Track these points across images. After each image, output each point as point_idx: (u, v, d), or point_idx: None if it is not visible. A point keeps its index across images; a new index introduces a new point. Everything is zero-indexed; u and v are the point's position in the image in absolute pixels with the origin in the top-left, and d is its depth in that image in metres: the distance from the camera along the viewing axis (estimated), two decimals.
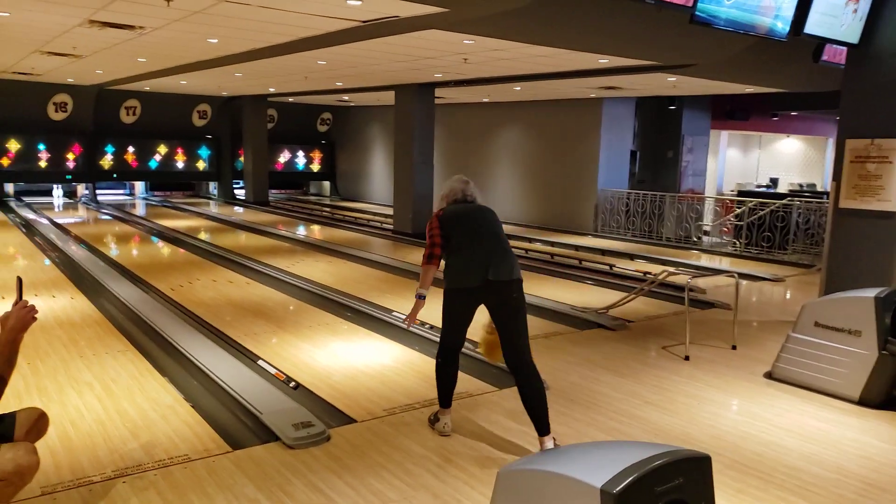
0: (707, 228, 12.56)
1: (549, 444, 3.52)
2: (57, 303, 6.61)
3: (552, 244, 11.87)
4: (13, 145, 15.60)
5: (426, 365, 5.07)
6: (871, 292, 4.45)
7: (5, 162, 15.53)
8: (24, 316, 2.66)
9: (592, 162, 13.45)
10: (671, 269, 6.78)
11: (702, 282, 7.95)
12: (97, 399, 4.19)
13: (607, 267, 9.47)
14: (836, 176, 6.04)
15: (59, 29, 7.46)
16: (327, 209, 17.61)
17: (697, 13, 4.78)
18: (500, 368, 4.91)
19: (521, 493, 2.03)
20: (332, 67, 10.18)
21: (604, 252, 11.10)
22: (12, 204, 15.48)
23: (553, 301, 7.17)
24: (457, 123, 16.39)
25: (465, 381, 4.70)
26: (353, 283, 8.05)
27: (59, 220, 13.19)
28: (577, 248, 11.49)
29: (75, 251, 9.62)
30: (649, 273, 7.96)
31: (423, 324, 6.14)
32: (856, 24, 5.71)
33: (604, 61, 8.44)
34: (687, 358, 5.37)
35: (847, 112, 6.00)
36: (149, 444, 3.58)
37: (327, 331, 5.93)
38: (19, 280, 2.84)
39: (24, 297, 2.73)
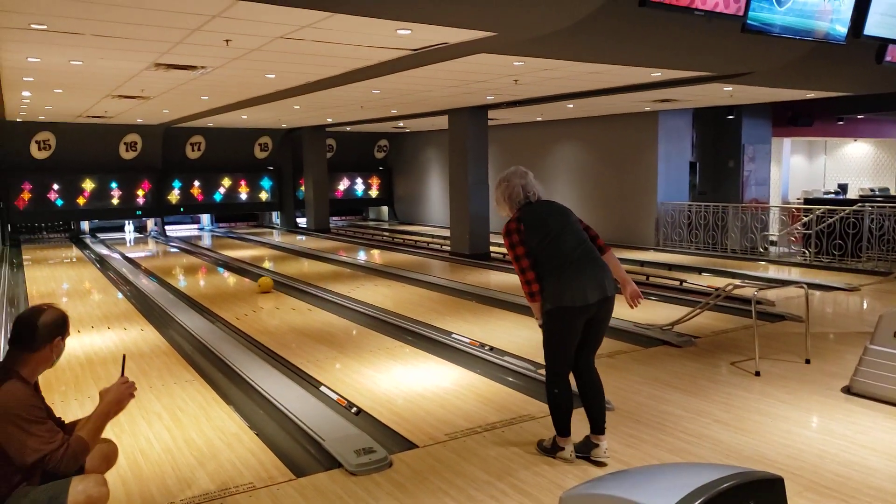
0: (774, 238, 12.11)
1: (604, 443, 3.64)
2: (128, 335, 6.89)
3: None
4: (88, 185, 16.51)
5: (486, 388, 5.04)
6: None
7: (81, 201, 16.43)
8: (123, 391, 2.75)
9: (651, 175, 13.20)
10: (737, 282, 6.55)
11: (770, 294, 7.64)
12: (166, 428, 4.32)
13: (672, 282, 9.23)
14: None
15: (128, 74, 7.90)
16: (386, 233, 17.86)
17: (749, 21, 4.68)
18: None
19: None
20: (386, 96, 10.39)
21: (670, 266, 10.83)
22: (87, 240, 16.31)
23: (615, 318, 6.97)
24: (511, 142, 16.42)
25: (526, 403, 4.65)
26: (413, 306, 8.10)
27: (130, 255, 13.81)
28: (641, 263, 11.26)
29: (145, 284, 10.04)
30: (715, 287, 7.72)
31: (482, 345, 6.13)
32: None
33: (656, 74, 8.32)
34: (758, 374, 5.16)
35: None
36: (215, 472, 3.67)
37: (388, 355, 5.98)
38: (124, 357, 2.98)
39: (126, 374, 2.84)
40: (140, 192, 17.21)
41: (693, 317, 6.39)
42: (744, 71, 8.08)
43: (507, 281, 9.92)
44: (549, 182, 15.67)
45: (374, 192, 21.36)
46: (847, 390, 4.70)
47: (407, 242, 15.36)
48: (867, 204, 10.98)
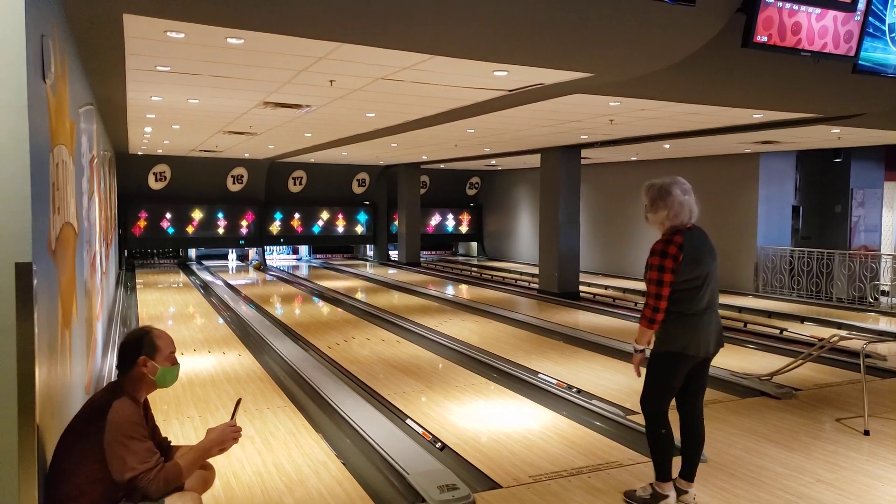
0: (885, 288, 11.23)
1: (693, 490, 3.56)
2: (227, 359, 7.19)
3: None
4: (197, 214, 17.60)
5: (572, 431, 4.92)
6: None
7: (190, 230, 17.53)
8: (228, 434, 2.79)
9: (750, 218, 12.63)
10: (844, 333, 6.12)
11: (881, 347, 7.07)
12: (257, 452, 4.45)
13: (772, 330, 8.73)
14: None
15: (239, 111, 8.45)
16: (475, 269, 17.94)
17: (861, 62, 4.45)
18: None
19: None
20: (480, 134, 10.56)
21: (770, 314, 10.26)
22: (194, 267, 17.32)
23: (712, 366, 6.69)
24: (604, 181, 16.20)
25: (614, 450, 4.49)
26: (499, 343, 8.06)
27: (232, 282, 14.53)
28: (739, 309, 10.73)
29: (244, 311, 10.50)
30: (819, 337, 7.22)
31: (569, 387, 6.00)
32: None
33: (758, 116, 8.02)
34: (867, 433, 4.76)
35: None
36: (302, 499, 3.73)
37: (474, 391, 5.96)
38: (238, 401, 3.03)
39: (236, 418, 2.88)
40: (244, 223, 18.17)
41: (795, 367, 5.99)
42: (854, 113, 7.64)
43: (595, 322, 9.70)
44: (641, 224, 15.30)
45: (464, 228, 21.57)
46: None
47: (495, 279, 15.35)
48: None
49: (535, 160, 13.49)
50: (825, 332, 7.24)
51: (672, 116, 8.21)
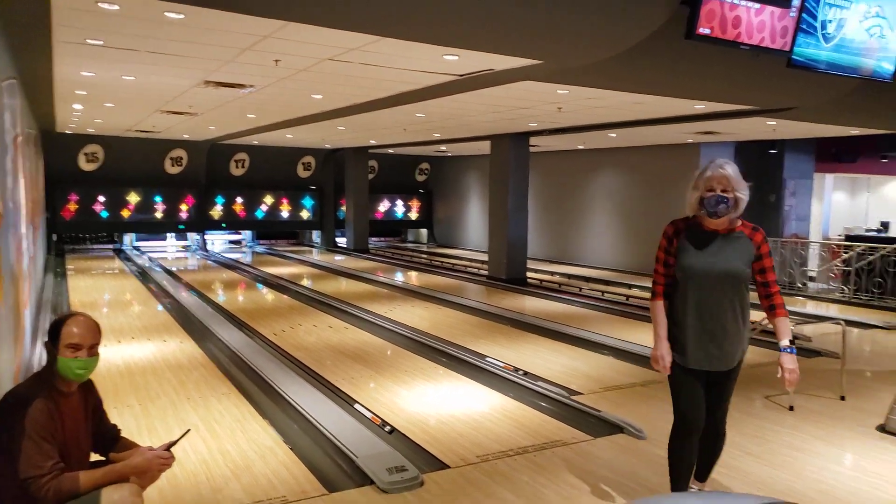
0: (812, 274, 11.85)
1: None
2: (168, 347, 7.04)
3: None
4: (133, 198, 16.98)
5: (519, 412, 5.05)
6: None
7: (125, 213, 16.93)
8: (154, 465, 2.61)
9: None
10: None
11: (807, 329, 7.49)
12: (202, 440, 4.40)
13: None
14: None
15: (178, 90, 8.19)
16: (424, 255, 18.00)
17: (795, 57, 4.68)
18: (594, 416, 4.83)
19: None
20: (430, 119, 10.57)
21: None
22: (130, 252, 16.75)
23: (650, 347, 6.95)
24: (552, 169, 16.47)
25: (559, 430, 4.64)
26: (448, 328, 8.15)
27: (171, 268, 14.15)
28: None
29: (185, 297, 10.26)
30: (751, 321, 7.58)
31: (516, 370, 6.14)
32: None
33: (700, 107, 8.30)
34: (791, 408, 5.08)
35: None
36: (249, 484, 3.73)
37: (423, 376, 6.03)
38: (186, 432, 2.86)
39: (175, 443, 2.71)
40: (183, 207, 17.67)
41: None
42: (788, 106, 8.01)
43: (542, 307, 9.91)
44: (587, 210, 15.66)
45: (413, 215, 21.58)
46: (882, 428, 4.59)
47: (445, 265, 15.46)
48: None
49: (485, 147, 13.60)
50: (757, 316, 7.59)
51: (618, 106, 8.41)
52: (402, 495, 3.58)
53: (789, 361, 3.07)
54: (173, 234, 18.52)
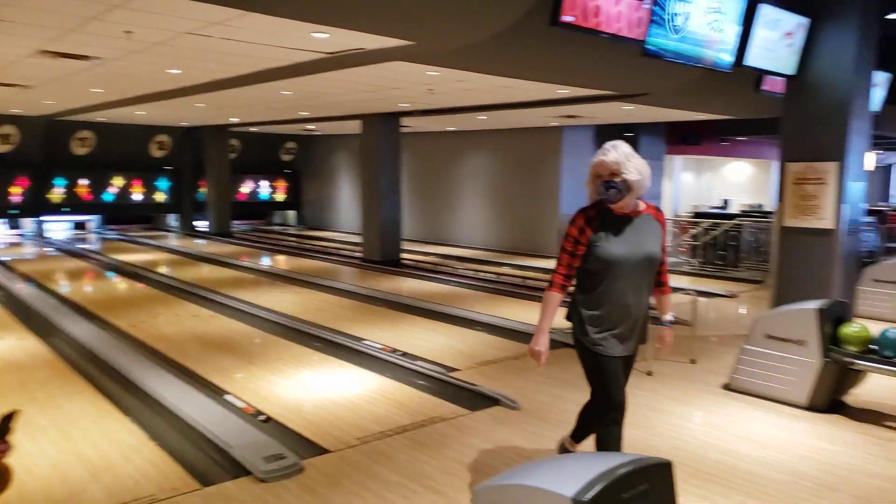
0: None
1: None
2: (4, 344, 6.45)
3: (523, 267, 12.12)
4: None
5: (398, 391, 5.15)
6: (814, 304, 4.73)
7: None
8: None
9: (554, 187, 13.80)
10: None
11: None
12: (52, 444, 4.09)
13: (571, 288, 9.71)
14: (780, 196, 6.38)
15: (6, 59, 7.39)
16: (293, 239, 17.59)
17: (648, 46, 5.06)
18: (471, 390, 5.03)
19: None
20: (296, 98, 10.31)
21: None
22: None
23: (521, 322, 7.35)
24: (424, 150, 16.64)
25: (438, 406, 4.79)
26: (322, 312, 8.08)
27: (4, 258, 12.86)
28: (546, 270, 11.75)
29: (22, 289, 9.37)
30: None
31: (394, 351, 6.24)
32: (792, 57, 6.09)
33: (563, 91, 8.75)
34: (650, 373, 5.57)
35: (786, 137, 6.37)
36: (111, 485, 3.55)
37: (297, 362, 5.96)
38: (11, 415, 2.47)
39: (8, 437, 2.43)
40: (16, 190, 16.02)
41: None
42: (642, 92, 8.66)
43: (417, 287, 10.07)
44: (458, 191, 16.03)
45: (280, 196, 20.96)
46: (727, 387, 5.17)
47: (316, 248, 15.22)
48: (746, 218, 12.02)
49: (355, 126, 13.48)
50: None
51: (487, 89, 8.67)
52: (282, 483, 3.56)
53: (670, 334, 3.29)
54: (4, 221, 16.75)
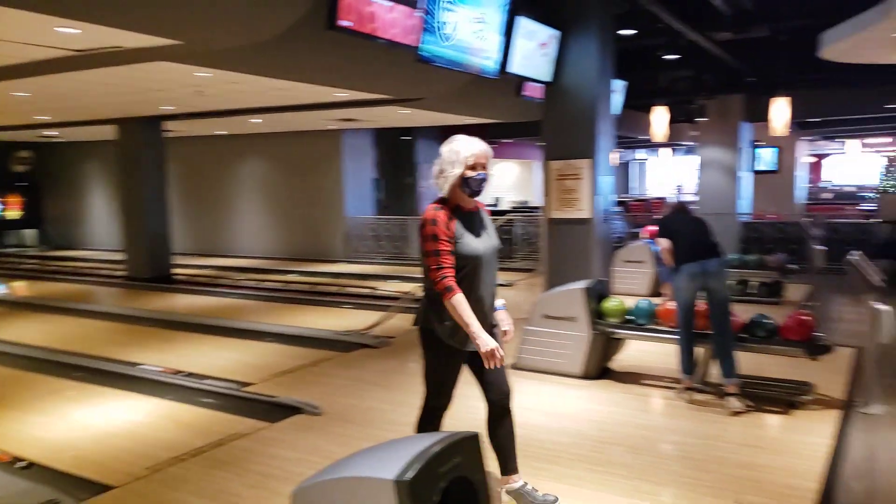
0: None
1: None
2: None
3: (309, 274, 12.03)
4: None
5: (188, 414, 4.87)
6: (580, 284, 5.42)
7: None
8: None
9: (337, 191, 13.90)
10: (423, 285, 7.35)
11: None
12: None
13: (365, 290, 9.93)
14: (546, 192, 7.16)
15: None
16: (36, 261, 15.50)
17: (421, 52, 5.37)
18: (269, 403, 4.94)
19: None
20: (35, 100, 9.12)
21: (361, 276, 11.56)
22: None
23: (315, 329, 7.36)
24: (192, 156, 15.67)
25: (233, 423, 4.62)
26: (85, 340, 7.30)
27: None
28: (335, 275, 11.83)
29: None
30: (404, 291, 8.50)
31: (178, 372, 5.86)
32: (548, 65, 6.86)
33: (341, 95, 8.86)
34: None
35: (547, 138, 7.16)
36: None
37: (59, 397, 5.34)
38: None
39: None
40: None
41: (388, 319, 7.01)
42: (418, 96, 9.10)
43: (196, 303, 9.52)
44: (235, 198, 15.39)
45: (13, 213, 18.26)
46: (514, 367, 5.67)
47: (65, 270, 13.60)
48: (516, 213, 13.26)
49: (108, 131, 12.26)
50: (409, 287, 8.54)
51: (261, 91, 8.47)
52: None
53: (506, 321, 3.31)
54: None
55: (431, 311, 3.08)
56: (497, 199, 18.49)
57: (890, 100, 11.79)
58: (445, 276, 2.93)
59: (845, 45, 7.15)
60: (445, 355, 3.15)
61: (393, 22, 5.06)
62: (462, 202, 3.05)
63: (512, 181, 20.49)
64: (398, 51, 5.29)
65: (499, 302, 3.27)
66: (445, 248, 2.94)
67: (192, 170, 15.82)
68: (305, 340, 6.89)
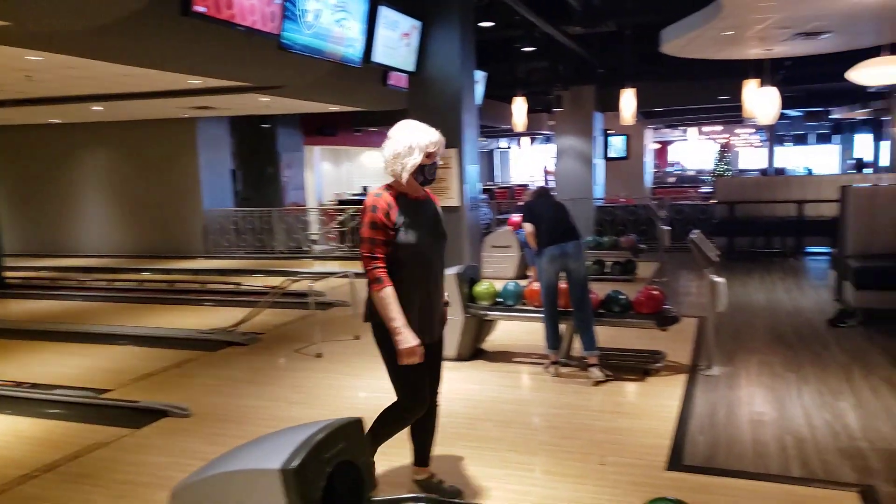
0: (315, 237, 13.58)
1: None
2: None
3: (166, 271, 11.42)
4: None
5: (36, 428, 4.54)
6: (452, 270, 5.60)
7: None
8: None
9: (194, 183, 13.25)
10: (290, 279, 7.26)
11: (320, 285, 8.67)
12: None
13: (228, 286, 9.61)
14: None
15: None
16: None
17: (283, 40, 5.30)
18: (131, 408, 4.71)
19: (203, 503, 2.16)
20: None
21: (223, 272, 11.16)
22: None
23: (176, 329, 7.07)
24: (23, 148, 14.31)
25: (92, 432, 4.36)
26: None
27: None
28: (195, 271, 11.33)
29: None
30: (271, 286, 8.33)
31: (20, 384, 5.43)
32: (411, 56, 6.99)
33: (195, 82, 8.47)
34: (320, 355, 5.91)
35: None
36: None
37: None
38: None
39: None
40: None
41: (255, 315, 6.86)
42: (278, 84, 8.90)
43: (36, 308, 8.78)
44: (77, 194, 14.26)
45: None
46: None
47: None
48: None
49: None
50: (275, 282, 8.37)
51: (105, 77, 7.91)
52: None
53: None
54: None
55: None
56: (365, 188, 18.47)
57: (721, 91, 13.08)
58: (376, 267, 2.86)
59: (682, 41, 7.89)
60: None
61: (252, 9, 4.95)
62: (411, 190, 2.99)
63: (379, 170, 20.53)
64: (259, 38, 5.17)
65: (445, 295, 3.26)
66: (380, 238, 2.86)
67: (24, 163, 14.47)
68: (166, 341, 6.59)
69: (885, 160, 17.22)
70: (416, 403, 3.06)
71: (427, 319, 3.04)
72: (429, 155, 2.94)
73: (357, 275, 9.84)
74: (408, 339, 2.87)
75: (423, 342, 2.95)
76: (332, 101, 11.18)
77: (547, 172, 21.73)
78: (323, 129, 15.74)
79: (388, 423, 3.14)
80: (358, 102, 11.62)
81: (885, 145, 17.45)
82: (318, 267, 11.61)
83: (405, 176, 2.93)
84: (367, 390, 5.04)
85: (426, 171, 2.97)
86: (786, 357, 5.46)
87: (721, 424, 4.15)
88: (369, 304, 3.03)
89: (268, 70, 7.87)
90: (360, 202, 14.57)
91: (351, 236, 12.77)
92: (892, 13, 6.38)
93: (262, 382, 5.27)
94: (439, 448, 3.86)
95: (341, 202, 14.90)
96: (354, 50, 6.27)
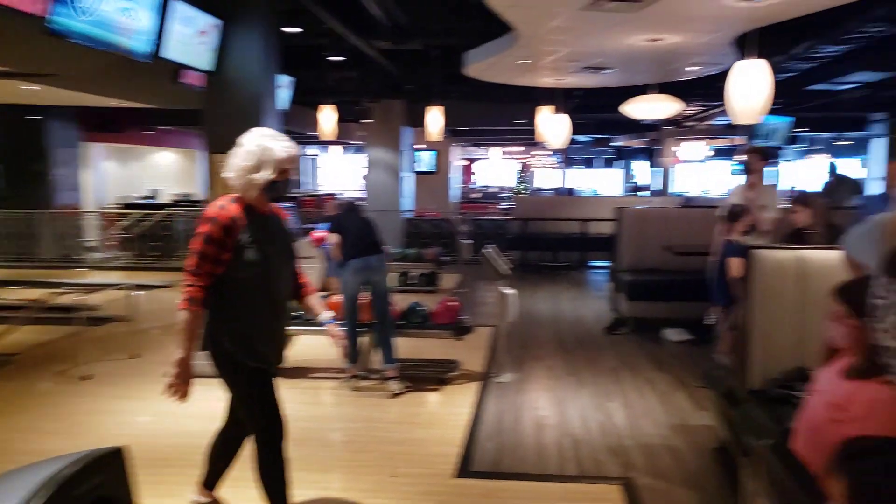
0: (92, 244, 12.34)
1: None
2: None
3: None
4: None
5: None
6: None
7: None
8: None
9: None
10: (57, 291, 6.52)
11: (95, 298, 7.86)
12: None
13: None
14: (211, 185, 6.92)
15: None
16: None
17: (52, 25, 4.76)
18: None
19: None
20: None
21: None
22: None
23: None
24: None
25: None
26: None
27: None
28: None
29: None
30: (31, 299, 7.41)
31: None
32: (209, 54, 6.63)
33: None
34: (89, 377, 5.36)
35: (209, 130, 6.93)
36: None
37: None
38: None
39: None
40: None
41: (9, 334, 6.06)
42: (48, 73, 8.00)
43: None
44: None
45: None
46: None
47: None
48: (177, 207, 12.51)
49: None
50: (38, 294, 7.46)
51: None
52: None
53: (335, 330, 3.09)
54: None
55: (216, 322, 2.77)
56: (154, 191, 17.19)
57: (519, 115, 14.04)
58: (194, 285, 2.66)
59: (483, 65, 8.37)
60: (247, 373, 2.84)
61: None
62: (259, 205, 2.77)
63: (172, 172, 19.21)
64: (22, 19, 4.60)
65: (325, 314, 3.05)
66: (211, 254, 2.65)
67: None
68: None
69: (658, 184, 19.53)
70: (273, 423, 2.88)
71: (271, 344, 2.89)
72: (283, 171, 2.74)
73: (139, 286, 9.17)
74: (187, 369, 2.78)
75: (265, 369, 2.84)
76: (116, 96, 10.29)
77: (366, 180, 21.78)
78: (106, 125, 14.41)
79: (268, 469, 2.88)
80: (146, 98, 10.79)
81: (658, 171, 19.80)
82: (95, 277, 10.55)
83: (252, 193, 2.73)
84: (148, 414, 4.65)
85: (279, 188, 2.77)
86: (567, 362, 5.96)
87: (508, 429, 4.40)
88: (208, 330, 2.81)
89: (35, 56, 7.05)
90: (147, 206, 13.53)
91: (136, 243, 11.80)
92: (661, 57, 7.30)
93: (14, 411, 4.65)
94: (231, 472, 3.67)
95: (126, 206, 13.72)
96: (142, 43, 5.81)
